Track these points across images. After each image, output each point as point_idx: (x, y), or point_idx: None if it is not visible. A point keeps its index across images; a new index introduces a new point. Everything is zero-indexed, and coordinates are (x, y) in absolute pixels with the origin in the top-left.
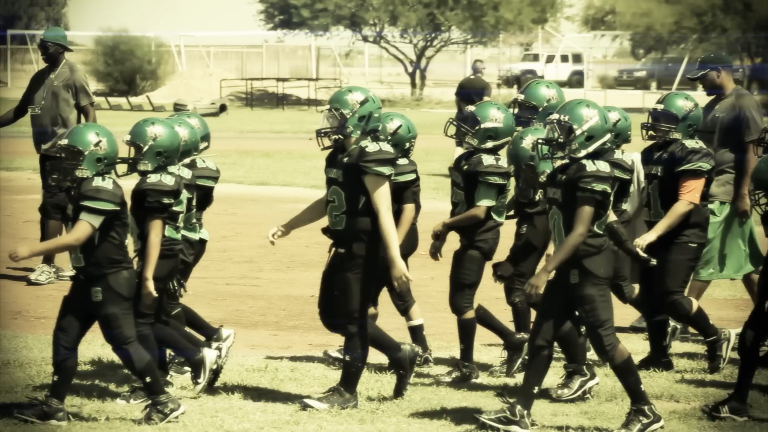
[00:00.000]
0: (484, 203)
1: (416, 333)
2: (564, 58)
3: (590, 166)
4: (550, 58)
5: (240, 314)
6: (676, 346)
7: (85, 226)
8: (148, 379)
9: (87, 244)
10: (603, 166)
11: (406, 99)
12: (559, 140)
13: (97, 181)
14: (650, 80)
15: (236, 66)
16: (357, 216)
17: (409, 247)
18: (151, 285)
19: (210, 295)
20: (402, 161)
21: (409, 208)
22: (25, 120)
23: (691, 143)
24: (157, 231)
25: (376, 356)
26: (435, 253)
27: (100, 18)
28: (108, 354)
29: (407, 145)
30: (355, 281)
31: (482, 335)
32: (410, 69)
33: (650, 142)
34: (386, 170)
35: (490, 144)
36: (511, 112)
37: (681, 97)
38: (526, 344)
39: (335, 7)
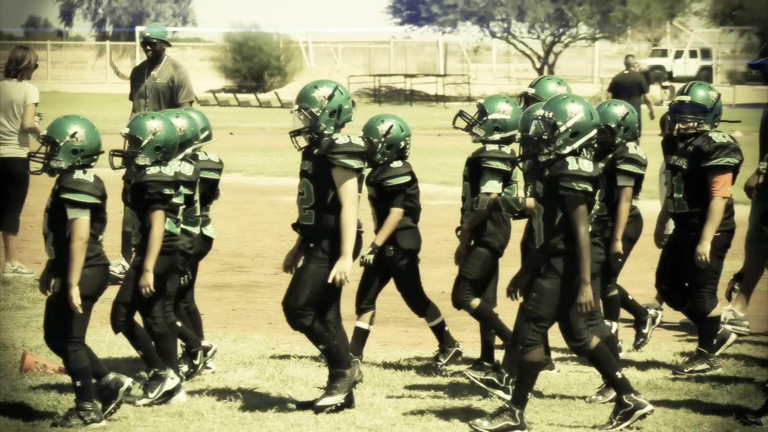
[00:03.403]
0: (489, 189)
1: (440, 331)
2: (692, 54)
3: (572, 164)
4: (678, 54)
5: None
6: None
7: (81, 222)
8: (78, 384)
9: (59, 237)
10: (585, 165)
11: None
12: (544, 137)
13: (78, 174)
14: None
15: (364, 62)
16: (325, 211)
17: (413, 248)
18: (150, 277)
19: None
20: (396, 163)
21: (395, 212)
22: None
23: (718, 137)
24: (159, 222)
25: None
26: (458, 259)
27: (227, 14)
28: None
29: (402, 144)
30: (316, 274)
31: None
32: (538, 65)
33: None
34: (354, 163)
35: (497, 136)
36: (520, 107)
37: (705, 88)
38: None
39: (464, 3)
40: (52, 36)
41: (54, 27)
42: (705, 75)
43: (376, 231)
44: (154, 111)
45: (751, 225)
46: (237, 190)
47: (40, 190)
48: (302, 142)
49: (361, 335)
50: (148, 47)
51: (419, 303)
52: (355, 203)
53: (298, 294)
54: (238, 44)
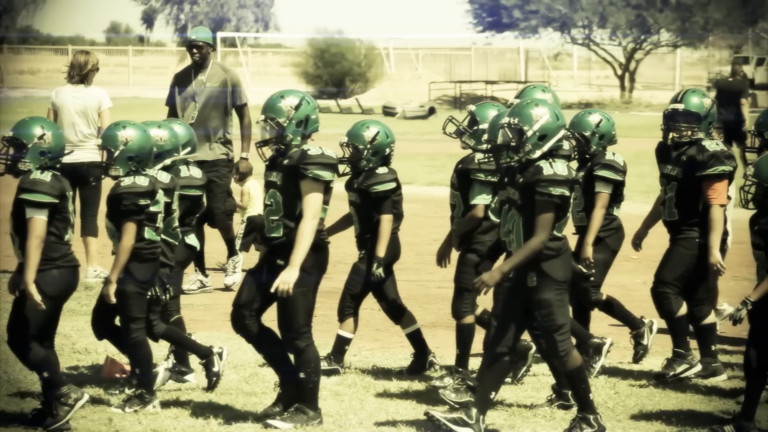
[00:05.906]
0: (479, 201)
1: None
2: None
3: (547, 169)
4: (760, 61)
5: (452, 317)
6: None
7: (37, 221)
8: (45, 374)
9: (25, 240)
10: (560, 169)
11: (615, 101)
12: (512, 144)
13: (36, 174)
14: None
15: (444, 68)
16: (295, 223)
17: (391, 256)
18: (112, 289)
19: (422, 298)
20: (381, 170)
21: (386, 219)
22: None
23: (711, 145)
24: (129, 235)
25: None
26: (440, 259)
27: (307, 20)
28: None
29: (387, 151)
30: (300, 296)
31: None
32: (619, 71)
33: (659, 141)
34: (326, 175)
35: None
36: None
37: (698, 95)
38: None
39: (546, 9)
40: (134, 41)
41: (135, 32)
42: None
43: (357, 236)
44: (203, 115)
45: None
46: None
47: None
48: (268, 153)
49: (342, 343)
50: (194, 50)
51: (395, 310)
52: (316, 216)
53: (292, 317)
54: (321, 50)
